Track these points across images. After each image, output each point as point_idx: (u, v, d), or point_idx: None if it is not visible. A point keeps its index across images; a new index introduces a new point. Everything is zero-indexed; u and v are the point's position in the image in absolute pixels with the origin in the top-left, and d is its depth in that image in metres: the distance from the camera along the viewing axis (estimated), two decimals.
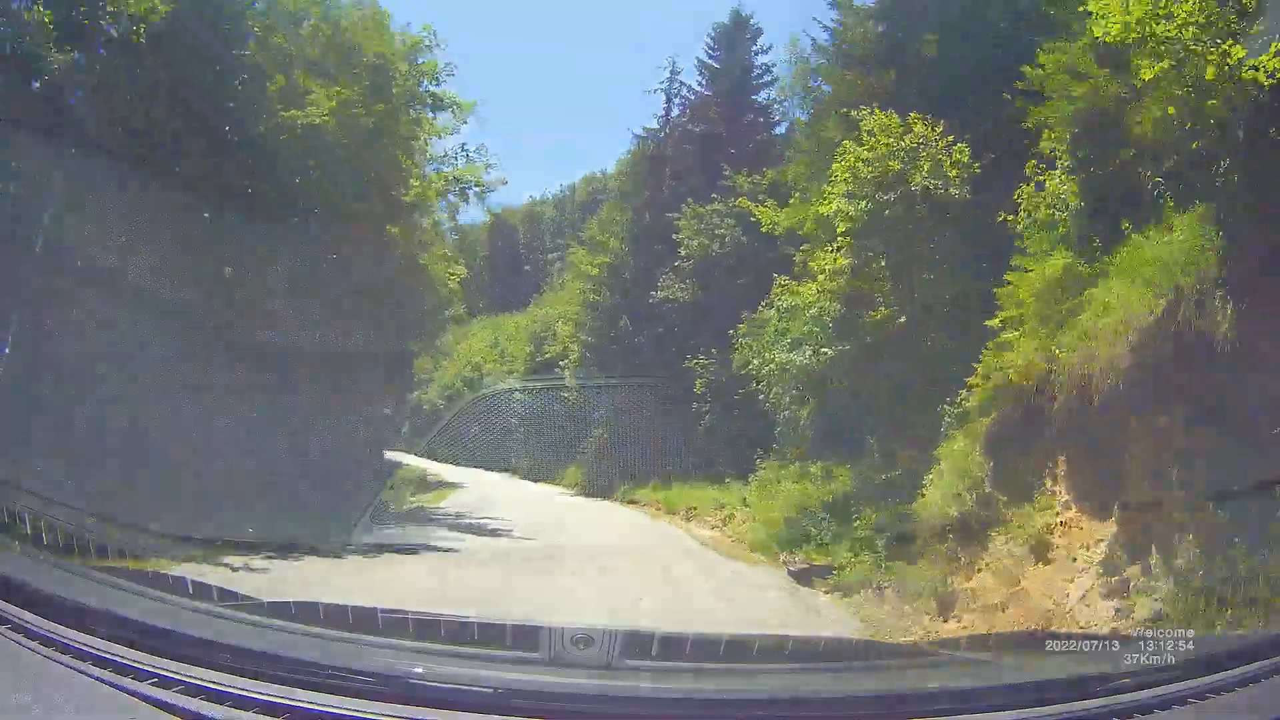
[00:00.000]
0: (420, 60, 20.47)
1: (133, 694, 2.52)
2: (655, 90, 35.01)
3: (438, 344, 52.19)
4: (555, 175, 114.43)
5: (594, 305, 33.06)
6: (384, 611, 3.72)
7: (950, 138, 13.94)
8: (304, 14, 18.16)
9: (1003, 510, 9.52)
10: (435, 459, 38.51)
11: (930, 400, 12.63)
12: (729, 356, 22.78)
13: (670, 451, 26.79)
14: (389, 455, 38.23)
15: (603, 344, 31.85)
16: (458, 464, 37.69)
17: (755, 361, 18.45)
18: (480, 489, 30.01)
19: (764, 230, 20.58)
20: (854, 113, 15.27)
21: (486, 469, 36.79)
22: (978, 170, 13.85)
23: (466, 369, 49.34)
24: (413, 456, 40.88)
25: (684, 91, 34.80)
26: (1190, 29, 6.97)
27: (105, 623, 2.92)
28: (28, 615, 2.91)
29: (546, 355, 38.11)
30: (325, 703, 2.51)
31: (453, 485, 31.29)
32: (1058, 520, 8.78)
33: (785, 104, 31.99)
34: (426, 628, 3.50)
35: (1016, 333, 10.57)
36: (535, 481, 34.16)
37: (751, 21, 33.53)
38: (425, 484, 30.70)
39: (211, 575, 8.86)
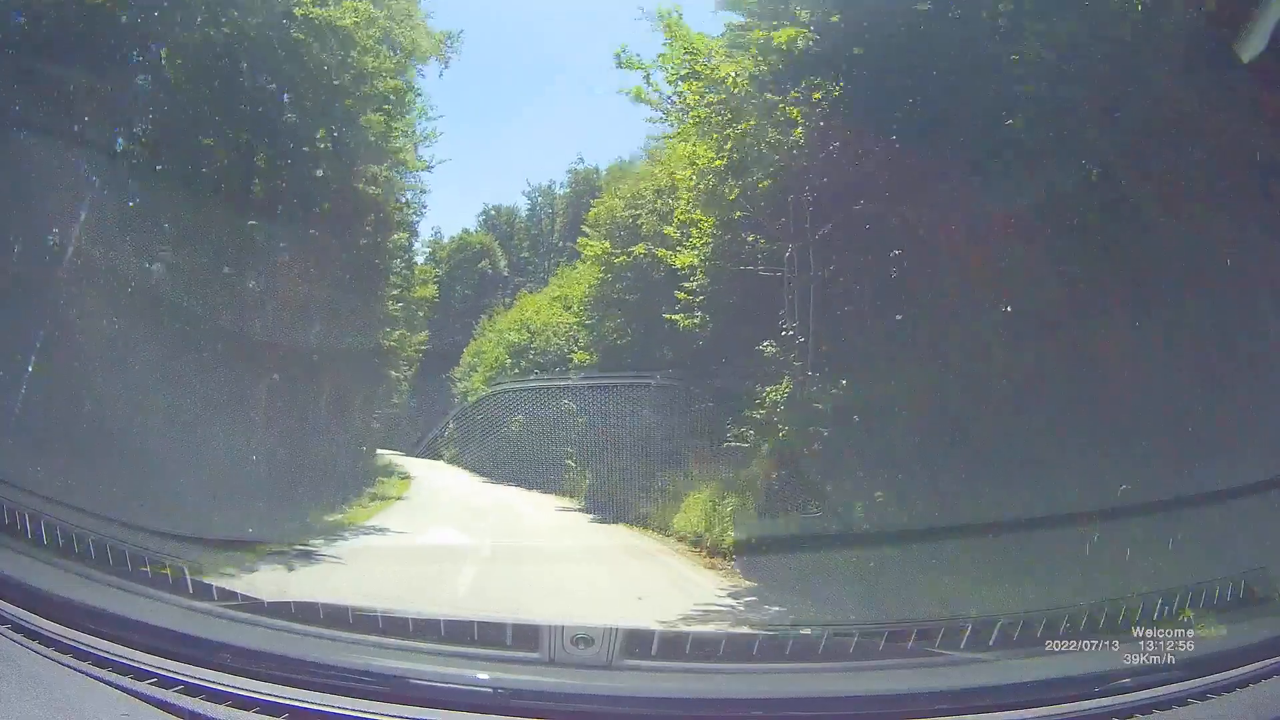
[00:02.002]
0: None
1: (133, 694, 2.52)
2: None
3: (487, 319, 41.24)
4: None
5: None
6: (384, 612, 3.72)
7: None
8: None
9: None
10: (464, 467, 31.54)
11: None
12: None
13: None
14: (392, 456, 32.97)
15: None
16: (484, 475, 28.49)
17: None
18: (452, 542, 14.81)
19: None
20: None
21: (525, 487, 24.71)
22: None
23: (519, 333, 34.05)
24: (409, 459, 34.04)
25: None
26: None
27: (105, 623, 2.92)
28: (28, 615, 2.91)
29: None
30: (325, 703, 2.51)
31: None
32: None
33: None
34: (426, 628, 3.50)
35: None
36: (607, 522, 18.44)
37: None
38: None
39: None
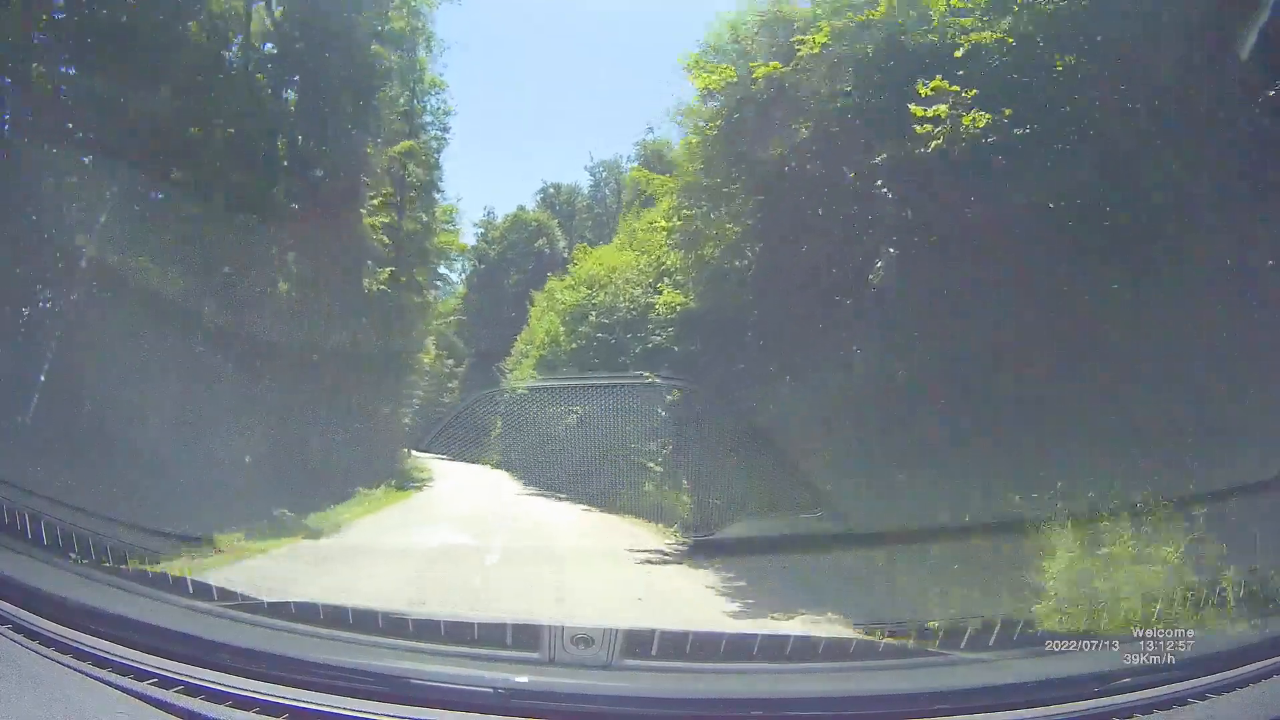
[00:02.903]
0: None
1: (133, 694, 2.52)
2: None
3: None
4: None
5: None
6: (384, 612, 3.72)
7: None
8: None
9: None
10: (509, 472, 26.32)
11: None
12: None
13: None
14: (432, 461, 28.79)
15: None
16: (534, 485, 22.58)
17: None
18: None
19: None
20: None
21: (579, 501, 18.68)
22: None
23: (575, 292, 26.08)
24: (456, 463, 28.32)
25: None
26: None
27: (105, 623, 2.92)
28: (28, 615, 2.91)
29: None
30: (325, 703, 2.51)
31: None
32: None
33: None
34: (426, 628, 3.50)
35: None
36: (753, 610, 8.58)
37: None
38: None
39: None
